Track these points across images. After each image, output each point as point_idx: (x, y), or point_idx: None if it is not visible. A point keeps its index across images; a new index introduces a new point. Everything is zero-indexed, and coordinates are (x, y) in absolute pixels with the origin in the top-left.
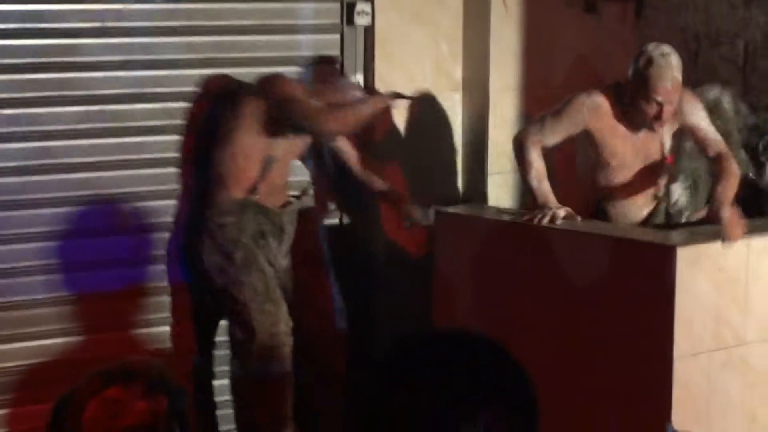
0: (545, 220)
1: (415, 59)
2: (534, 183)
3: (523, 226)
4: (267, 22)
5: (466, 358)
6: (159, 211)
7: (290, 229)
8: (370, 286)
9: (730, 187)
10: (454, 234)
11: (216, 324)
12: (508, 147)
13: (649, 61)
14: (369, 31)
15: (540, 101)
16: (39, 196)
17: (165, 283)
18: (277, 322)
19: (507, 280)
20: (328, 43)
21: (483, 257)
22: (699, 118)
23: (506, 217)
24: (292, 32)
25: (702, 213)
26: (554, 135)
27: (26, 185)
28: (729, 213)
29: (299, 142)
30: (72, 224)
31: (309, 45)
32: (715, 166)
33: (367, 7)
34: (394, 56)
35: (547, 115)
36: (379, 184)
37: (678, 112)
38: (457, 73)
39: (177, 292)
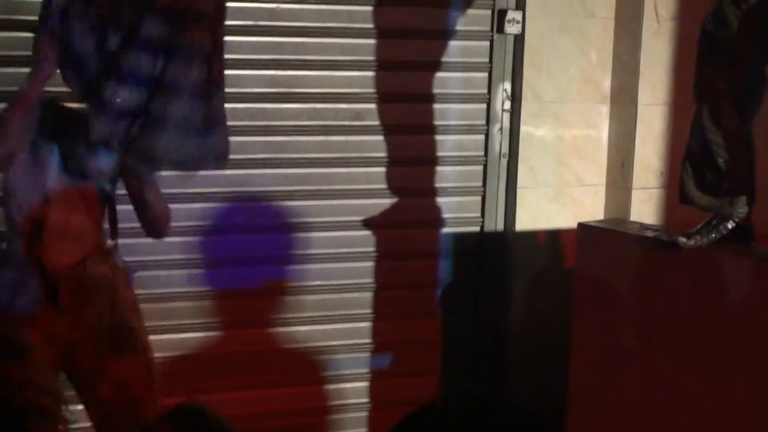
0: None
1: (564, 69)
2: None
3: (665, 242)
4: (418, 26)
5: None
6: (309, 211)
7: None
8: (508, 295)
9: None
10: (595, 247)
11: None
12: (655, 162)
13: None
14: (519, 40)
15: (689, 117)
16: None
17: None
18: None
19: (647, 296)
20: (477, 50)
21: (624, 272)
22: None
23: (649, 234)
24: (443, 38)
25: None
26: None
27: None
28: None
29: None
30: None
31: (459, 51)
32: None
33: (518, 16)
34: (543, 65)
35: None
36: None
37: None
38: (606, 84)
39: None
